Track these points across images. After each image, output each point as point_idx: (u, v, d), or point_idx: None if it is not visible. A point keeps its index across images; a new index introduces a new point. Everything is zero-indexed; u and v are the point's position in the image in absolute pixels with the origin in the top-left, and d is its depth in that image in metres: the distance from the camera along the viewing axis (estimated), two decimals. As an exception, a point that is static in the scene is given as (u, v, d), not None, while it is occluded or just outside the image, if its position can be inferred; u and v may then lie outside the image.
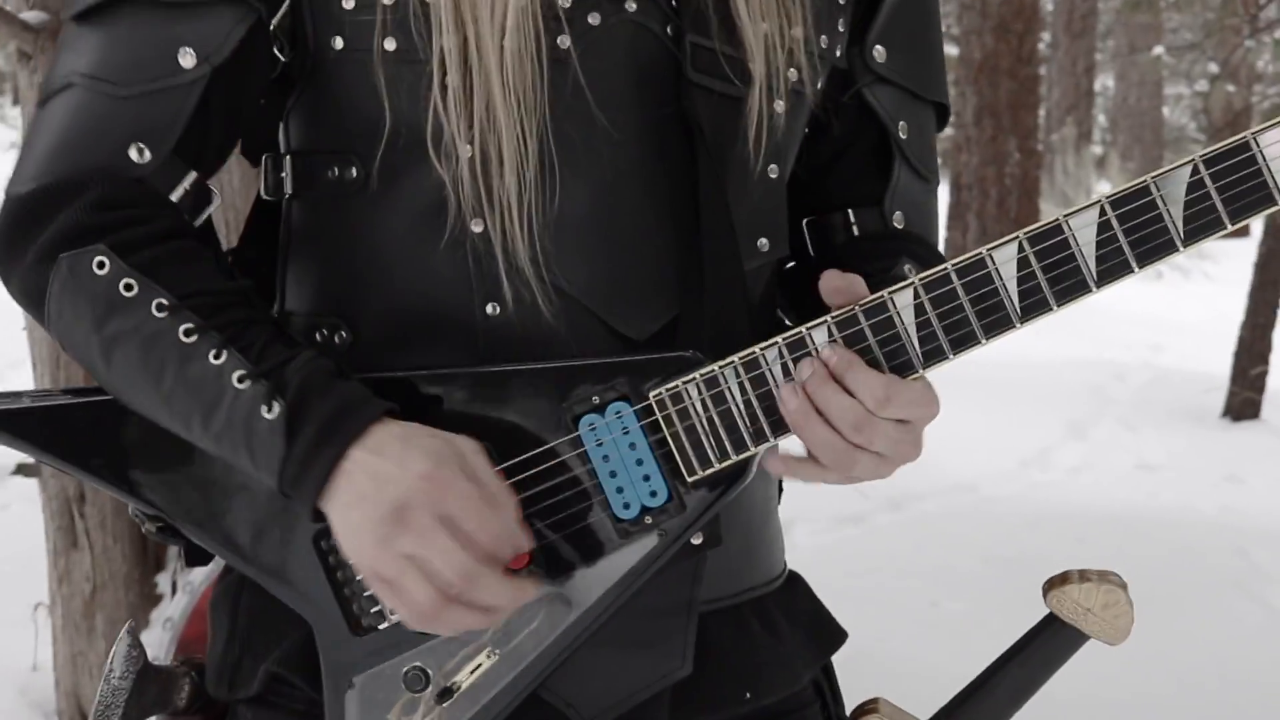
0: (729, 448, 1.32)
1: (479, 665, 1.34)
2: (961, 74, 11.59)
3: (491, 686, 1.34)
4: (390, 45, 1.35)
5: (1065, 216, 1.28)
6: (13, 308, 1.47)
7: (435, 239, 1.36)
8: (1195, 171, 1.27)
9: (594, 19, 1.37)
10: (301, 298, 1.46)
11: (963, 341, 1.30)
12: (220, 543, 1.39)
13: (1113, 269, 1.28)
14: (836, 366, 1.29)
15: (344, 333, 1.41)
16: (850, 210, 1.55)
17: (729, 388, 1.31)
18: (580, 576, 1.34)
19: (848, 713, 1.54)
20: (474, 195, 1.34)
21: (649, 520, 1.33)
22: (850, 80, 1.52)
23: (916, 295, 1.30)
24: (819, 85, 1.48)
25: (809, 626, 1.56)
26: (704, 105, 1.39)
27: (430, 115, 1.34)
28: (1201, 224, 1.27)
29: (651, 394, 1.32)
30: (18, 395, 1.40)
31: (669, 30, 1.40)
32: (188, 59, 1.35)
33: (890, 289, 1.30)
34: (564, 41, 1.36)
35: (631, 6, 1.38)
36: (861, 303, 1.30)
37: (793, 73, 1.44)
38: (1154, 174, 1.28)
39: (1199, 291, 13.54)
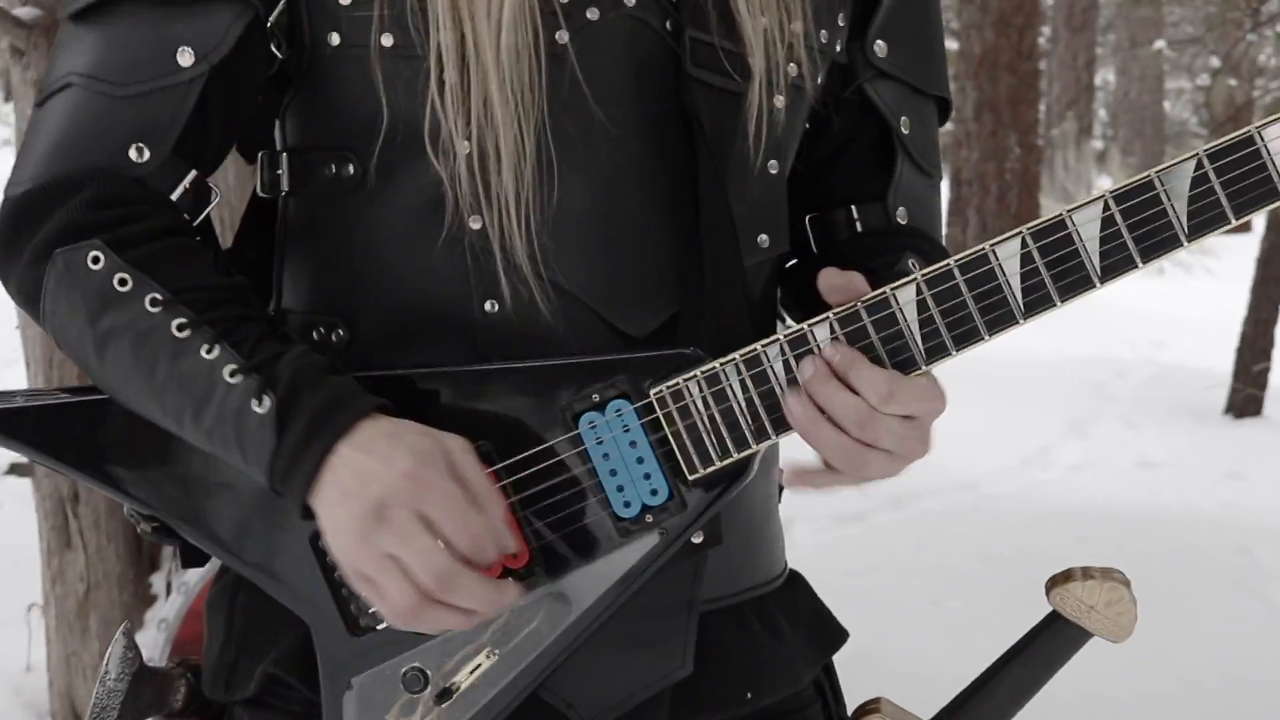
0: (730, 445, 1.31)
1: (478, 666, 1.34)
2: (961, 69, 11.59)
3: (491, 687, 1.33)
4: (388, 41, 1.35)
5: (1069, 212, 1.28)
6: (5, 307, 1.47)
7: (433, 236, 1.36)
8: (1199, 166, 1.26)
9: (592, 14, 1.36)
10: (298, 296, 1.46)
11: (966, 338, 1.29)
12: (216, 543, 1.39)
13: (1117, 264, 1.28)
14: (839, 364, 1.28)
15: (341, 331, 1.41)
16: (853, 206, 1.55)
17: (730, 385, 1.30)
18: (580, 575, 1.33)
19: (849, 713, 1.54)
20: (472, 192, 1.34)
21: (650, 519, 1.32)
22: (851, 75, 1.52)
23: (919, 291, 1.29)
24: (819, 80, 1.47)
25: (810, 626, 1.56)
26: (704, 100, 1.38)
27: (428, 111, 1.33)
28: (1206, 219, 1.27)
29: (652, 391, 1.31)
30: (11, 395, 1.40)
31: (668, 25, 1.39)
32: (186, 57, 1.34)
33: (893, 285, 1.29)
34: (562, 37, 1.35)
35: (630, 1, 1.38)
36: (864, 299, 1.30)
37: (792, 68, 1.43)
38: (1158, 168, 1.27)
39: (1201, 287, 13.54)
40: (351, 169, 1.39)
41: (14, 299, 1.37)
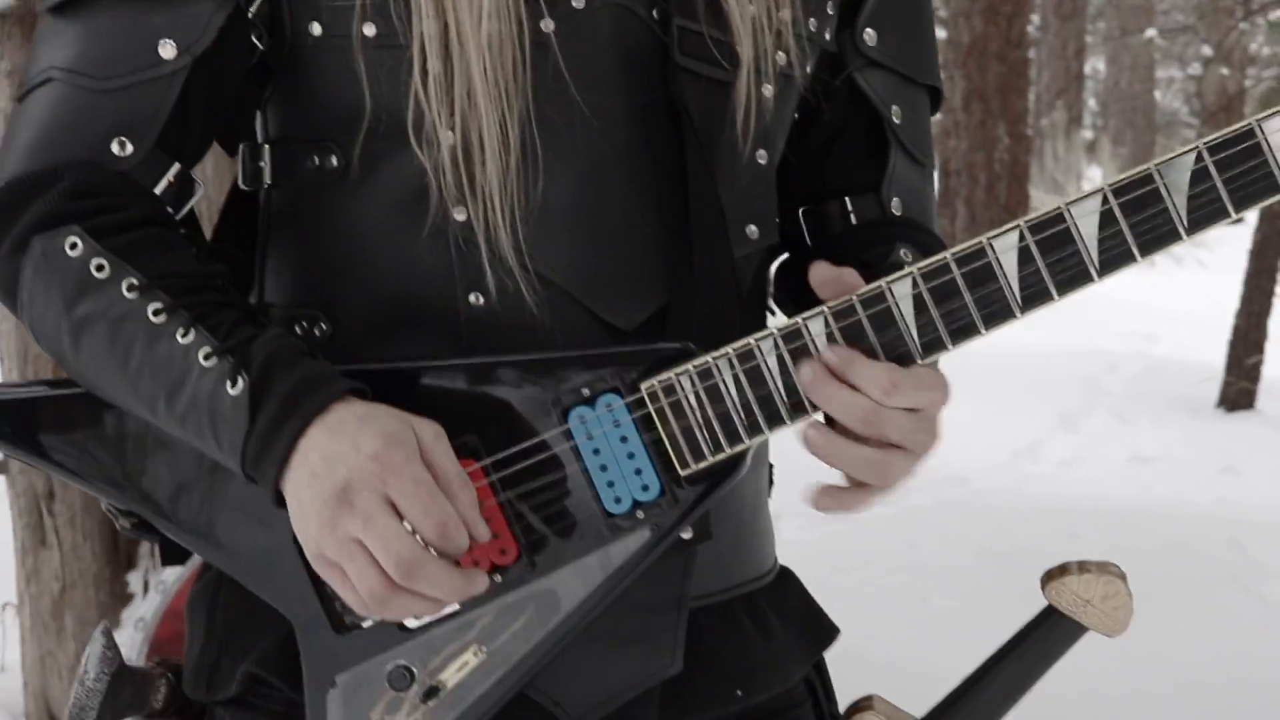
0: (723, 440, 1.30)
1: (465, 663, 1.32)
2: (950, 58, 11.59)
3: (478, 685, 1.32)
4: (370, 31, 1.34)
5: (1067, 205, 1.27)
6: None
7: (417, 228, 1.35)
8: (1199, 159, 1.25)
9: (577, 2, 1.36)
10: (281, 289, 1.45)
11: (962, 332, 1.28)
12: (197, 539, 1.37)
13: (1115, 258, 1.27)
14: (837, 364, 1.27)
15: (324, 324, 1.40)
16: (847, 198, 1.54)
17: (723, 379, 1.29)
18: (569, 571, 1.32)
19: (841, 710, 1.53)
20: (455, 183, 1.33)
21: (640, 514, 1.31)
22: (841, 64, 1.51)
23: (915, 285, 1.28)
24: (808, 69, 1.47)
25: (801, 622, 1.55)
26: (692, 90, 1.38)
27: (411, 102, 1.33)
28: (1206, 212, 1.25)
29: (644, 386, 1.30)
30: None
31: (654, 14, 1.38)
32: (168, 50, 1.34)
33: (888, 278, 1.28)
34: (546, 25, 1.34)
35: (616, -11, 1.36)
36: (859, 292, 1.28)
37: (781, 56, 1.43)
38: (1157, 161, 1.26)
39: (1193, 279, 13.56)
40: (334, 160, 1.38)
41: None
